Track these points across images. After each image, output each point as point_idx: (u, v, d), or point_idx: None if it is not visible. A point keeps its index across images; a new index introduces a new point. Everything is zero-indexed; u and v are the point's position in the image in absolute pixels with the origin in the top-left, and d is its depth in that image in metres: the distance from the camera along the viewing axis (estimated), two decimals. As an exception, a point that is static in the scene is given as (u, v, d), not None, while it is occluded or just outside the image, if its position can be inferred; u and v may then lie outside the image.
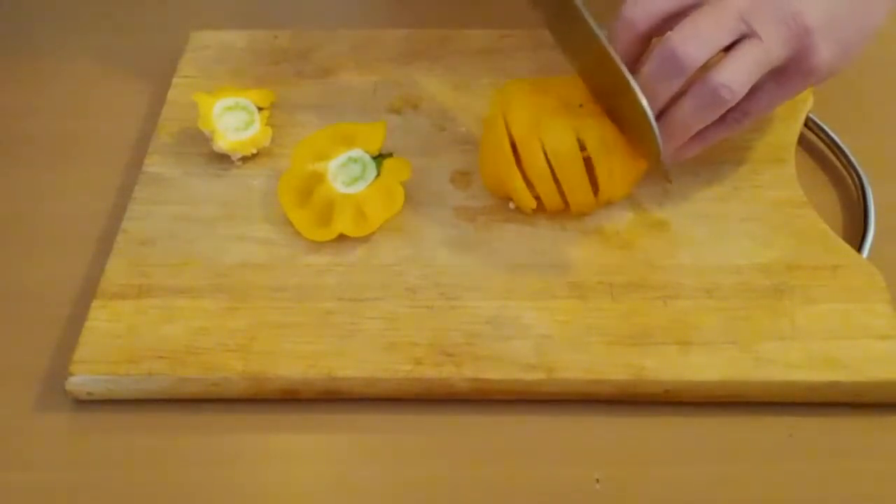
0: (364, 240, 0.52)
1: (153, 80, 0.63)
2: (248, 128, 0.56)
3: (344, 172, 0.53)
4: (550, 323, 0.48)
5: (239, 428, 0.47)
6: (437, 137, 0.58)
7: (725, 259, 0.50)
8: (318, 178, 0.53)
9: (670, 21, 0.47)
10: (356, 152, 0.54)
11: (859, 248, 0.51)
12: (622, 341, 0.47)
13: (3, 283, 0.53)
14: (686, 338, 0.47)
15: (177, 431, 0.46)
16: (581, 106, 0.51)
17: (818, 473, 0.44)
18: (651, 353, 0.46)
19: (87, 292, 0.50)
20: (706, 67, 0.46)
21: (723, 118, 0.47)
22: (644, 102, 0.46)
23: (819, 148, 0.58)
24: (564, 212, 0.52)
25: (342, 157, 0.54)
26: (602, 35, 0.47)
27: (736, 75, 0.45)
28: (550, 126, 0.50)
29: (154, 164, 0.56)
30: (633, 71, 0.47)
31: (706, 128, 0.48)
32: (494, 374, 0.46)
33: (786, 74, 0.47)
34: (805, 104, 0.57)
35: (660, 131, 0.47)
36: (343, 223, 0.51)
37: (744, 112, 0.49)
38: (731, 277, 0.49)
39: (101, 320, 0.48)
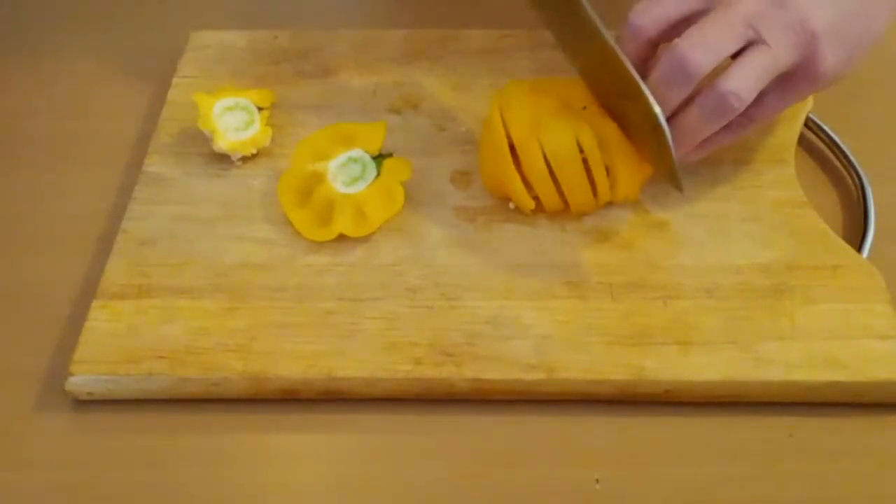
0: (364, 240, 0.52)
1: (153, 80, 0.63)
2: (248, 128, 0.56)
3: (344, 172, 0.53)
4: (550, 323, 0.48)
5: (239, 428, 0.47)
6: (437, 137, 0.58)
7: (725, 259, 0.50)
8: (318, 178, 0.53)
9: (678, 27, 0.47)
10: (356, 152, 0.54)
11: (859, 248, 0.51)
12: (622, 341, 0.47)
13: (3, 283, 0.53)
14: (686, 338, 0.47)
15: (177, 431, 0.46)
16: (585, 108, 0.51)
17: (818, 473, 0.44)
18: (651, 353, 0.46)
19: (87, 292, 0.50)
20: (713, 73, 0.46)
21: (728, 123, 0.47)
22: (657, 109, 0.46)
23: (819, 148, 0.58)
24: (564, 212, 0.52)
25: (342, 157, 0.54)
26: (611, 38, 0.47)
27: (744, 82, 0.45)
28: (550, 127, 0.50)
29: (154, 164, 0.56)
30: (641, 77, 0.47)
31: (712, 133, 0.48)
32: (494, 374, 0.46)
33: (792, 80, 0.48)
34: (805, 105, 0.57)
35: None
36: (343, 223, 0.51)
37: (749, 118, 0.49)
38: (731, 277, 0.49)
39: (101, 320, 0.48)
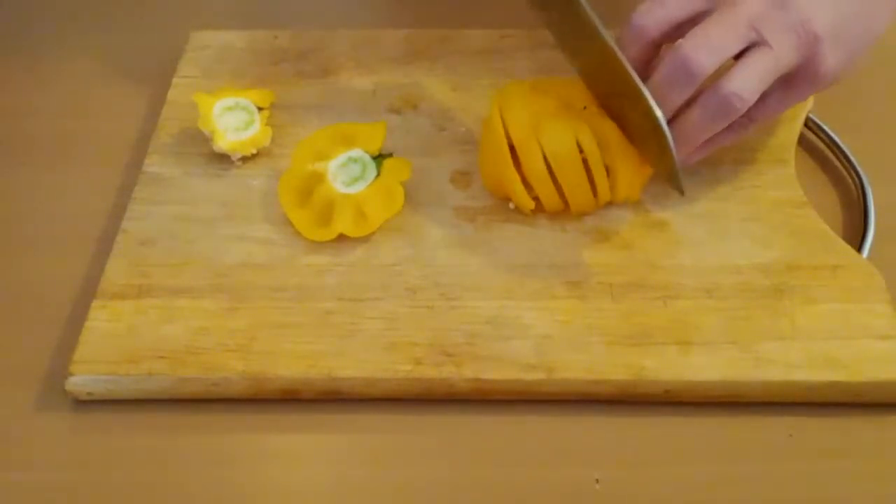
0: (364, 240, 0.52)
1: (153, 80, 0.63)
2: (248, 128, 0.56)
3: (344, 172, 0.53)
4: (550, 323, 0.48)
5: (239, 428, 0.47)
6: (437, 137, 0.58)
7: (725, 259, 0.50)
8: (318, 178, 0.53)
9: (680, 28, 0.47)
10: (356, 152, 0.54)
11: (859, 248, 0.51)
12: (622, 341, 0.47)
13: (3, 283, 0.53)
14: (686, 338, 0.47)
15: (177, 431, 0.46)
16: (585, 108, 0.51)
17: (818, 473, 0.44)
18: (651, 353, 0.46)
19: (87, 292, 0.50)
20: (715, 74, 0.46)
21: (730, 124, 0.47)
22: (658, 113, 0.46)
23: (819, 148, 0.58)
24: (564, 212, 0.52)
25: (342, 157, 0.54)
26: (611, 39, 0.47)
27: (746, 83, 0.45)
28: (550, 127, 0.50)
29: (154, 164, 0.56)
30: (643, 78, 0.47)
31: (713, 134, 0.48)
32: (494, 374, 0.46)
33: (793, 81, 0.48)
34: (805, 105, 0.57)
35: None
36: (343, 223, 0.51)
37: (751, 118, 0.49)
38: (731, 277, 0.49)
39: (101, 320, 0.48)
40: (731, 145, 0.52)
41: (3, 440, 0.46)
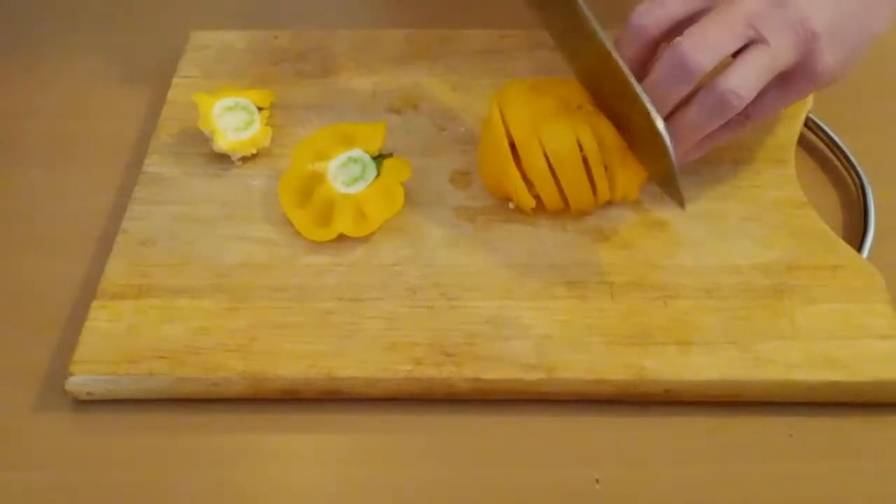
0: (364, 240, 0.52)
1: (153, 80, 0.63)
2: (248, 128, 0.56)
3: (344, 172, 0.53)
4: (550, 323, 0.48)
5: (239, 428, 0.47)
6: (437, 137, 0.58)
7: (725, 259, 0.50)
8: (318, 178, 0.53)
9: (679, 26, 0.47)
10: (356, 152, 0.54)
11: (859, 248, 0.51)
12: (622, 341, 0.47)
13: (3, 283, 0.53)
14: (686, 338, 0.47)
15: (177, 431, 0.46)
16: (580, 107, 0.51)
17: (818, 473, 0.44)
18: (651, 353, 0.46)
19: (87, 292, 0.50)
20: (713, 72, 0.46)
21: (727, 122, 0.47)
22: (661, 126, 0.46)
23: (819, 148, 0.58)
24: (564, 212, 0.52)
25: (342, 157, 0.54)
26: (608, 41, 0.47)
27: (744, 81, 0.45)
28: (550, 127, 0.50)
29: (154, 164, 0.56)
30: (642, 76, 0.47)
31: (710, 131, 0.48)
32: (494, 374, 0.46)
33: (791, 79, 0.48)
34: (805, 104, 0.57)
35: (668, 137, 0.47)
36: (343, 223, 0.51)
37: (748, 116, 0.49)
38: (731, 277, 0.49)
39: (101, 320, 0.48)
40: (729, 143, 0.52)
41: (3, 440, 0.46)
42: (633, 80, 0.46)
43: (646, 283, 0.49)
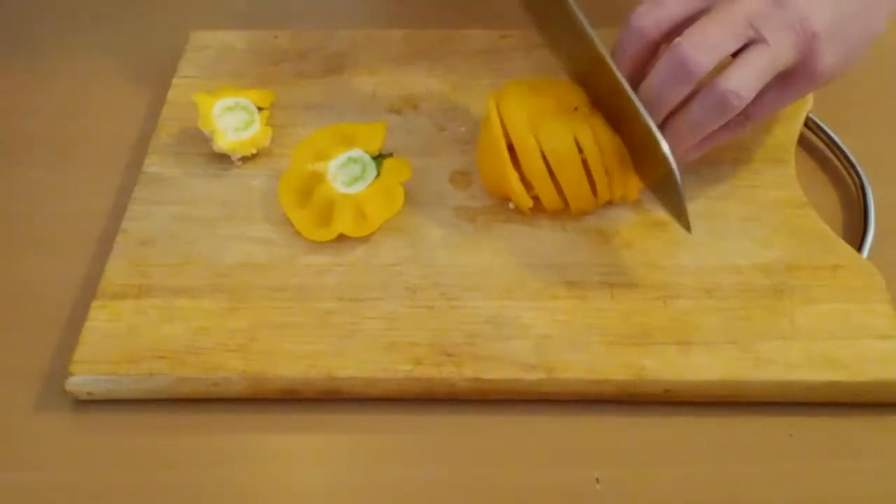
0: (364, 240, 0.52)
1: (153, 80, 0.63)
2: (248, 128, 0.56)
3: (344, 172, 0.53)
4: (550, 323, 0.48)
5: (239, 428, 0.47)
6: (437, 137, 0.58)
7: (725, 259, 0.50)
8: (318, 178, 0.53)
9: (679, 27, 0.47)
10: (356, 152, 0.54)
11: (859, 248, 0.51)
12: (622, 341, 0.47)
13: (3, 283, 0.53)
14: (686, 338, 0.47)
15: (177, 431, 0.46)
16: (576, 109, 0.51)
17: (818, 473, 0.44)
18: (651, 353, 0.46)
19: (87, 292, 0.50)
20: (713, 72, 0.46)
21: (727, 122, 0.47)
22: (665, 148, 0.46)
23: (819, 148, 0.58)
24: (564, 212, 0.52)
25: (342, 157, 0.54)
26: (604, 49, 0.47)
27: (744, 81, 0.45)
28: (548, 127, 0.50)
29: (154, 164, 0.56)
30: (642, 77, 0.47)
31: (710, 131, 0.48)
32: (494, 374, 0.46)
33: (790, 79, 0.48)
34: (805, 104, 0.57)
35: (666, 136, 0.47)
36: (343, 223, 0.51)
37: (748, 116, 0.49)
38: (731, 277, 0.49)
39: (101, 320, 0.48)
40: (729, 143, 0.52)
41: (3, 440, 0.46)
42: (635, 98, 0.47)
43: (646, 283, 0.49)
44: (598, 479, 0.44)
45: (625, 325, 0.48)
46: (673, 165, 0.46)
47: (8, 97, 0.63)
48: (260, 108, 0.57)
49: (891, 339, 0.47)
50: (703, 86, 0.46)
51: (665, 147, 0.46)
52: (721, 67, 0.46)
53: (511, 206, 0.53)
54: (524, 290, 0.49)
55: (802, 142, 0.57)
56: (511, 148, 0.51)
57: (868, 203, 0.53)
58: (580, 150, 0.50)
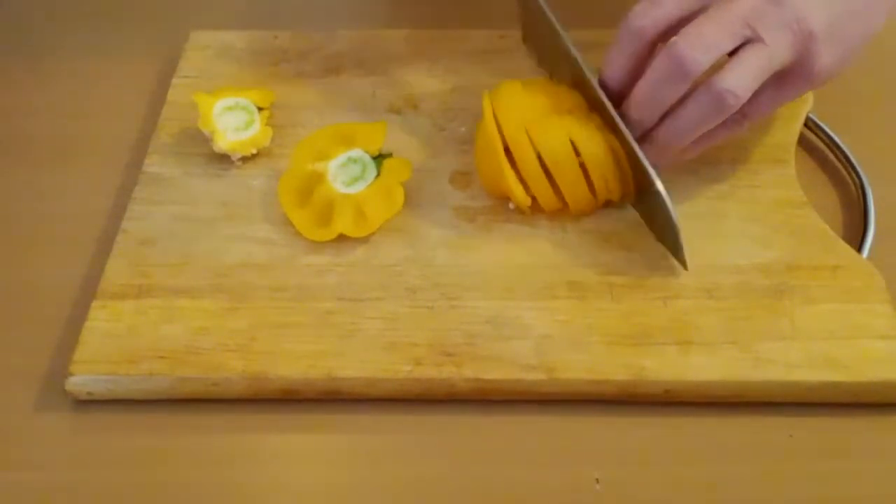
0: (364, 240, 0.52)
1: (153, 80, 0.63)
2: (248, 128, 0.56)
3: (344, 172, 0.53)
4: (550, 323, 0.48)
5: (239, 428, 0.47)
6: (437, 137, 0.58)
7: (725, 259, 0.50)
8: (318, 178, 0.53)
9: (675, 27, 0.47)
10: (356, 152, 0.54)
11: (859, 248, 0.51)
12: (622, 341, 0.47)
13: (3, 283, 0.53)
14: (686, 338, 0.47)
15: (177, 431, 0.46)
16: (570, 111, 0.51)
17: (818, 473, 0.44)
18: (651, 353, 0.46)
19: (87, 292, 0.50)
20: (709, 70, 0.46)
21: (724, 121, 0.47)
22: (659, 185, 0.48)
23: (819, 148, 0.58)
24: (564, 212, 0.52)
25: (342, 157, 0.54)
26: (586, 66, 0.49)
27: (740, 80, 0.45)
28: (543, 126, 0.50)
29: (154, 164, 0.56)
30: (639, 76, 0.47)
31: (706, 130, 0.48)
32: (494, 374, 0.46)
33: (787, 78, 0.48)
34: (805, 104, 0.57)
35: (663, 135, 0.48)
36: (343, 223, 0.51)
37: (744, 115, 0.49)
38: (731, 277, 0.49)
39: (101, 320, 0.48)
40: (728, 143, 0.52)
41: (3, 440, 0.46)
42: (629, 135, 0.48)
43: (646, 283, 0.49)
44: (597, 479, 0.44)
45: (625, 325, 0.48)
46: (668, 202, 0.47)
47: (8, 97, 0.63)
48: (260, 108, 0.57)
49: (891, 339, 0.47)
50: (700, 85, 0.46)
51: (660, 185, 0.47)
52: (718, 67, 0.46)
53: (511, 206, 0.53)
54: (524, 290, 0.49)
55: (802, 142, 0.57)
56: (508, 148, 0.51)
57: (868, 203, 0.53)
58: (577, 153, 0.50)
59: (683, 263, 0.49)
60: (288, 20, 0.68)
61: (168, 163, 0.56)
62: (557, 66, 0.54)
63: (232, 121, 0.56)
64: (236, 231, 0.53)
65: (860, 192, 0.54)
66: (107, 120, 0.61)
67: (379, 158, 0.54)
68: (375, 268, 0.51)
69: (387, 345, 0.47)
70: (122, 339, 0.48)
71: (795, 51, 0.46)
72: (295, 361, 0.47)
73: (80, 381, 0.46)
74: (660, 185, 0.47)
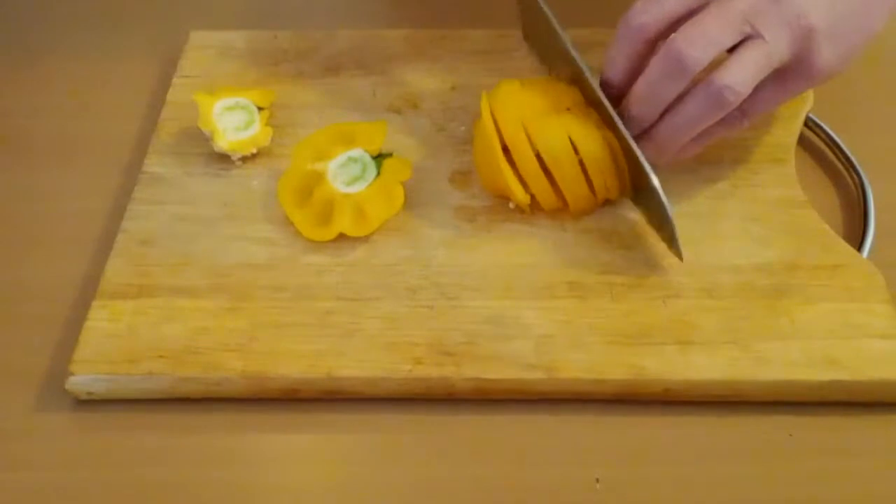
0: (364, 240, 0.52)
1: (153, 80, 0.63)
2: (248, 128, 0.56)
3: (344, 172, 0.53)
4: (550, 323, 0.48)
5: (239, 428, 0.47)
6: (437, 137, 0.58)
7: (725, 258, 0.50)
8: (318, 178, 0.53)
9: (676, 24, 0.47)
10: (356, 152, 0.54)
11: (859, 248, 0.51)
12: (622, 341, 0.47)
13: (3, 283, 0.53)
14: (686, 337, 0.47)
15: (177, 431, 0.46)
16: (568, 109, 0.51)
17: (818, 473, 0.44)
18: (651, 352, 0.46)
19: (87, 292, 0.50)
20: (709, 67, 0.46)
21: (723, 118, 0.47)
22: (655, 182, 0.48)
23: (819, 148, 0.58)
24: (564, 212, 0.52)
25: (342, 156, 0.54)
26: (584, 65, 0.49)
27: (740, 77, 0.45)
28: (542, 125, 0.50)
29: (154, 164, 0.56)
30: (639, 74, 0.47)
31: (706, 128, 0.48)
32: (494, 373, 0.46)
33: (787, 75, 0.48)
34: (805, 104, 0.57)
35: (662, 132, 0.48)
36: (343, 223, 0.51)
37: (744, 112, 0.49)
38: (731, 277, 0.49)
39: (101, 320, 0.48)
40: (728, 142, 0.52)
41: (3, 440, 0.46)
42: (625, 131, 0.48)
43: (646, 282, 0.49)
44: (598, 479, 0.44)
45: (625, 324, 0.48)
46: (663, 198, 0.47)
47: (8, 97, 0.63)
48: (260, 108, 0.57)
49: (891, 339, 0.47)
50: (699, 81, 0.46)
51: (655, 181, 0.47)
52: (718, 63, 0.46)
53: (511, 205, 0.53)
54: (524, 290, 0.49)
55: (802, 141, 0.57)
56: (506, 147, 0.51)
57: (868, 203, 0.53)
58: (576, 151, 0.50)
59: (679, 255, 0.49)
60: (288, 20, 0.68)
61: (168, 163, 0.56)
62: (556, 64, 0.54)
63: (232, 121, 0.56)
64: (236, 231, 0.53)
65: (860, 191, 0.54)
66: (107, 120, 0.61)
67: (379, 158, 0.54)
68: (375, 267, 0.51)
69: (387, 344, 0.47)
70: (122, 338, 0.48)
71: (795, 48, 0.46)
72: (295, 361, 0.47)
73: (81, 380, 0.46)
74: (654, 179, 0.47)
